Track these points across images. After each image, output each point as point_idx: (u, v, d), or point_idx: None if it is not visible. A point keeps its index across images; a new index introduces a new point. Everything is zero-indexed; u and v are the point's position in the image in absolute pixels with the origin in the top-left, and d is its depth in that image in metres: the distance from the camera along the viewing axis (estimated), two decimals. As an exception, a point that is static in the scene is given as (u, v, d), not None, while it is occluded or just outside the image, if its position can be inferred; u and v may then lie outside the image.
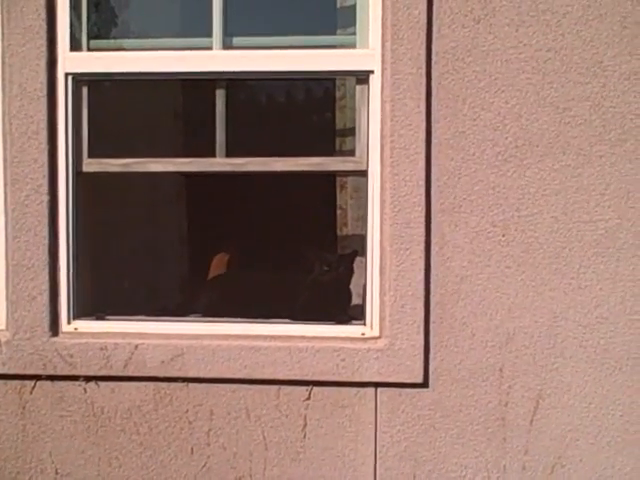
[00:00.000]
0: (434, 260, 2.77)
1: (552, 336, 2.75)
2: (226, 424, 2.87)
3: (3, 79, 2.87)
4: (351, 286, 3.18)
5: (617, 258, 2.73)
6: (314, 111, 3.89)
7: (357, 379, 2.79)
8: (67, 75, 2.89)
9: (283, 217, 4.00)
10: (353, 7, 2.91)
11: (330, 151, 3.35)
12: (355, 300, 3.18)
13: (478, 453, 2.80)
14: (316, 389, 2.83)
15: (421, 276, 2.75)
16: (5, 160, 2.89)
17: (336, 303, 3.09)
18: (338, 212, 3.44)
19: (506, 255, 2.75)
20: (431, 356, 2.78)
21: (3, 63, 2.86)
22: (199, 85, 3.26)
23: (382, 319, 2.82)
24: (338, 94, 3.33)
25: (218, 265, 3.72)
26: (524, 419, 2.78)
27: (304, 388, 2.83)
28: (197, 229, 3.55)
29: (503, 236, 2.75)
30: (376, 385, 2.81)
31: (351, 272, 3.16)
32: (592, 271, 2.73)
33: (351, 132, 3.15)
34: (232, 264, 3.74)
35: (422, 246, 2.75)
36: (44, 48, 2.84)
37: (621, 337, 2.73)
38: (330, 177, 3.45)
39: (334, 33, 3.15)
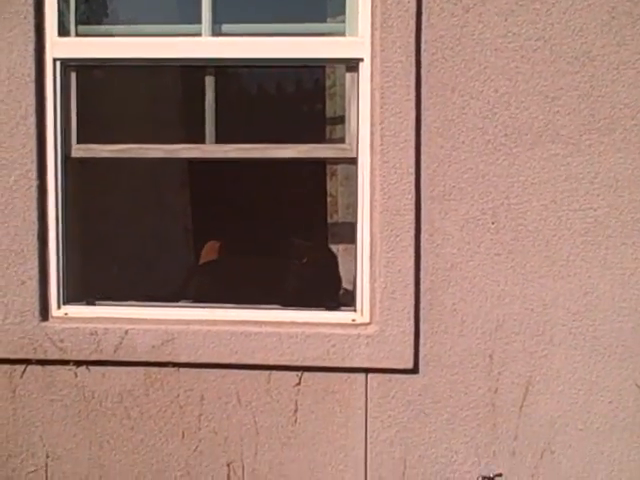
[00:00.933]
0: (424, 247, 2.78)
1: (541, 323, 2.77)
2: (217, 409, 2.89)
3: (-9, 64, 2.85)
4: (341, 273, 3.18)
5: (606, 246, 2.74)
6: (304, 99, 3.87)
7: (347, 365, 2.81)
8: (55, 60, 2.87)
9: (274, 204, 3.99)
10: (342, -5, 2.90)
11: (320, 139, 3.34)
12: (345, 288, 3.19)
13: (468, 438, 2.83)
14: (307, 374, 2.85)
15: (411, 263, 2.76)
16: (-7, 145, 2.87)
17: (326, 291, 3.09)
18: (328, 199, 3.43)
19: (496, 242, 2.76)
20: (421, 342, 2.80)
21: (-9, 48, 2.84)
22: (189, 72, 3.24)
23: (372, 305, 2.83)
24: (328, 82, 3.31)
25: (209, 252, 3.72)
26: (514, 405, 2.80)
27: (295, 373, 2.85)
28: (187, 215, 3.54)
29: (493, 224, 2.76)
30: (366, 371, 2.82)
31: (335, 261, 3.15)
32: (581, 259, 2.75)
33: (341, 120, 3.13)
34: (223, 251, 3.74)
35: (412, 233, 2.76)
36: (32, 33, 2.81)
37: (610, 324, 2.75)
38: (321, 165, 3.44)
39: (324, 21, 3.13)
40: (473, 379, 2.81)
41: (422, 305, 2.79)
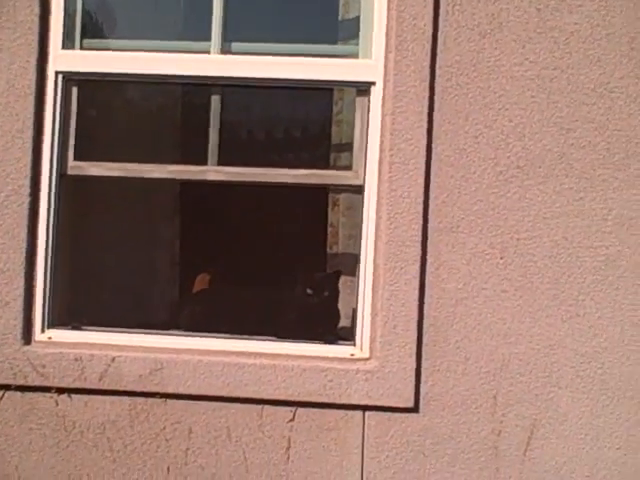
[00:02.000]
0: (429, 280, 2.68)
1: (548, 364, 2.67)
2: (205, 443, 2.75)
3: (-10, 75, 2.77)
4: (339, 306, 3.07)
5: (617, 286, 2.66)
6: (309, 125, 3.82)
7: (344, 401, 2.68)
8: (57, 73, 2.80)
9: (272, 232, 3.92)
10: (356, 19, 2.86)
11: (325, 166, 3.28)
12: (343, 321, 3.08)
13: (469, 483, 2.70)
14: (301, 410, 2.72)
15: (415, 296, 2.66)
16: (-14, 158, 2.77)
17: (323, 324, 2.98)
18: (329, 230, 3.36)
19: (503, 279, 2.67)
20: (422, 380, 2.68)
21: (-9, 58, 2.77)
22: (194, 90, 3.19)
23: (372, 340, 2.72)
24: (335, 108, 3.27)
25: (202, 280, 3.62)
26: (518, 449, 2.68)
27: (289, 409, 2.72)
28: (182, 240, 3.44)
29: (501, 259, 2.67)
30: (364, 408, 2.70)
31: (337, 293, 3.05)
32: (591, 298, 2.66)
33: (347, 148, 3.09)
34: (217, 279, 3.65)
35: (417, 265, 2.67)
36: (35, 44, 2.75)
37: (619, 368, 2.65)
38: (322, 194, 3.38)
39: (335, 43, 3.09)
40: (476, 420, 2.69)
41: (425, 341, 2.69)
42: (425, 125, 2.65)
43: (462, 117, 2.66)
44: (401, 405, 2.68)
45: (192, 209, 3.58)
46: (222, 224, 3.87)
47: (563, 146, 2.65)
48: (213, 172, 2.88)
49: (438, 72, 2.66)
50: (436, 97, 2.66)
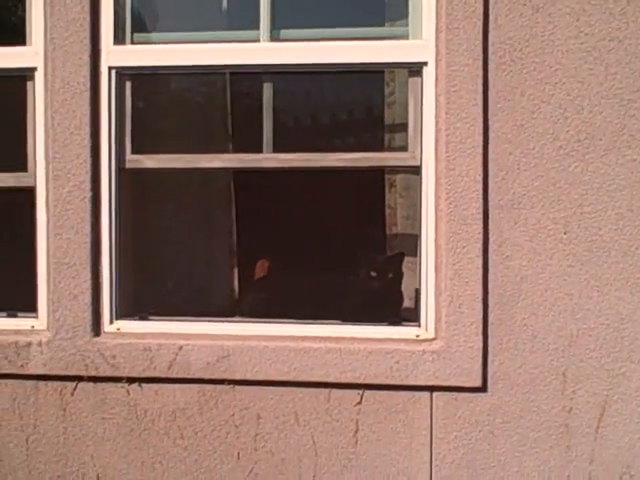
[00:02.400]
0: (492, 259, 2.65)
1: (619, 338, 2.62)
2: (274, 428, 2.77)
3: (46, 73, 2.81)
4: (402, 288, 3.06)
5: (685, 256, 2.60)
6: (362, 108, 3.79)
7: (411, 382, 2.68)
8: (110, 69, 2.82)
9: (329, 217, 3.90)
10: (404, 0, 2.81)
11: (379, 149, 3.25)
12: (407, 303, 3.06)
13: (540, 462, 2.67)
14: (368, 393, 2.72)
15: (479, 275, 2.64)
16: (47, 156, 2.83)
17: (387, 305, 2.97)
18: (387, 211, 3.33)
19: (568, 254, 2.63)
20: (490, 359, 2.66)
21: (46, 57, 2.81)
22: (245, 79, 3.18)
23: (437, 320, 2.70)
24: (387, 90, 3.22)
25: (261, 269, 3.63)
26: (589, 426, 2.65)
27: (356, 392, 2.73)
28: (243, 227, 3.45)
29: (565, 234, 2.62)
30: (431, 389, 2.70)
31: (400, 275, 3.04)
32: (660, 270, 2.60)
33: (400, 129, 3.05)
34: (277, 265, 3.65)
35: (480, 244, 2.64)
36: (87, 41, 2.77)
37: (690, 340, 2.60)
38: (378, 176, 3.35)
39: (382, 26, 3.05)
40: (545, 398, 2.66)
41: (490, 320, 2.66)
42: (480, 103, 2.61)
43: (518, 93, 2.62)
44: (469, 385, 2.66)
45: (249, 198, 3.58)
46: (280, 212, 3.87)
47: (624, 117, 2.59)
48: (269, 160, 2.89)
49: (491, 49, 2.61)
50: (490, 74, 2.62)
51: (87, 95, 2.78)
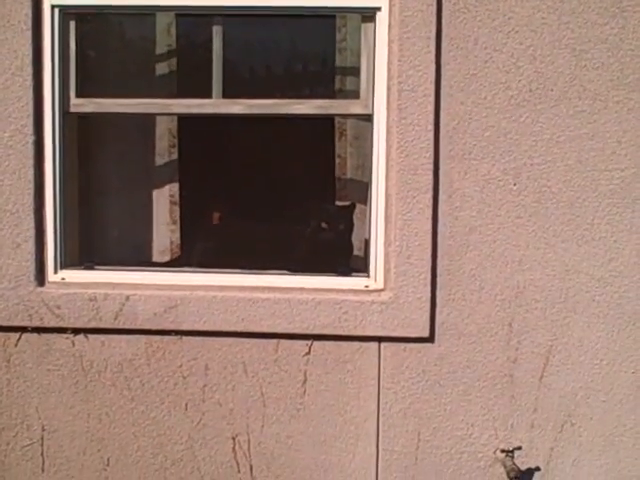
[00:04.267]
0: (442, 209, 2.65)
1: (564, 290, 2.65)
2: (222, 379, 2.76)
3: (-16, 12, 2.69)
4: (353, 239, 3.05)
5: (632, 209, 2.62)
6: (312, 54, 3.72)
7: (360, 333, 2.68)
8: (54, 7, 2.72)
9: (280, 165, 3.85)
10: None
11: (329, 96, 3.20)
12: (357, 253, 3.05)
13: (485, 411, 2.71)
14: (317, 343, 2.72)
15: (428, 226, 2.63)
16: (-14, 99, 2.72)
17: (337, 256, 2.95)
18: (337, 160, 3.30)
19: (517, 205, 2.63)
20: (437, 310, 2.68)
21: (-16, -5, 2.69)
22: (194, 22, 3.10)
23: (387, 271, 2.70)
24: (338, 36, 3.17)
25: (210, 218, 3.58)
26: (533, 376, 2.69)
27: (304, 342, 2.72)
28: (189, 175, 3.38)
29: (514, 185, 2.63)
30: (379, 339, 2.70)
31: (351, 226, 3.02)
32: (606, 222, 2.63)
33: (352, 76, 3.00)
34: (227, 215, 3.61)
35: (430, 194, 2.63)
36: (29, -22, 2.66)
37: (635, 291, 2.64)
38: (328, 124, 3.31)
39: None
40: (491, 348, 2.69)
41: (439, 271, 2.67)
42: (433, 51, 2.58)
43: (471, 41, 2.59)
44: (416, 335, 2.67)
45: (196, 146, 3.51)
46: (228, 160, 3.81)
47: (575, 68, 2.58)
48: (217, 105, 2.82)
49: (445, -5, 2.57)
50: (444, 21, 2.58)
51: (29, 34, 2.67)
